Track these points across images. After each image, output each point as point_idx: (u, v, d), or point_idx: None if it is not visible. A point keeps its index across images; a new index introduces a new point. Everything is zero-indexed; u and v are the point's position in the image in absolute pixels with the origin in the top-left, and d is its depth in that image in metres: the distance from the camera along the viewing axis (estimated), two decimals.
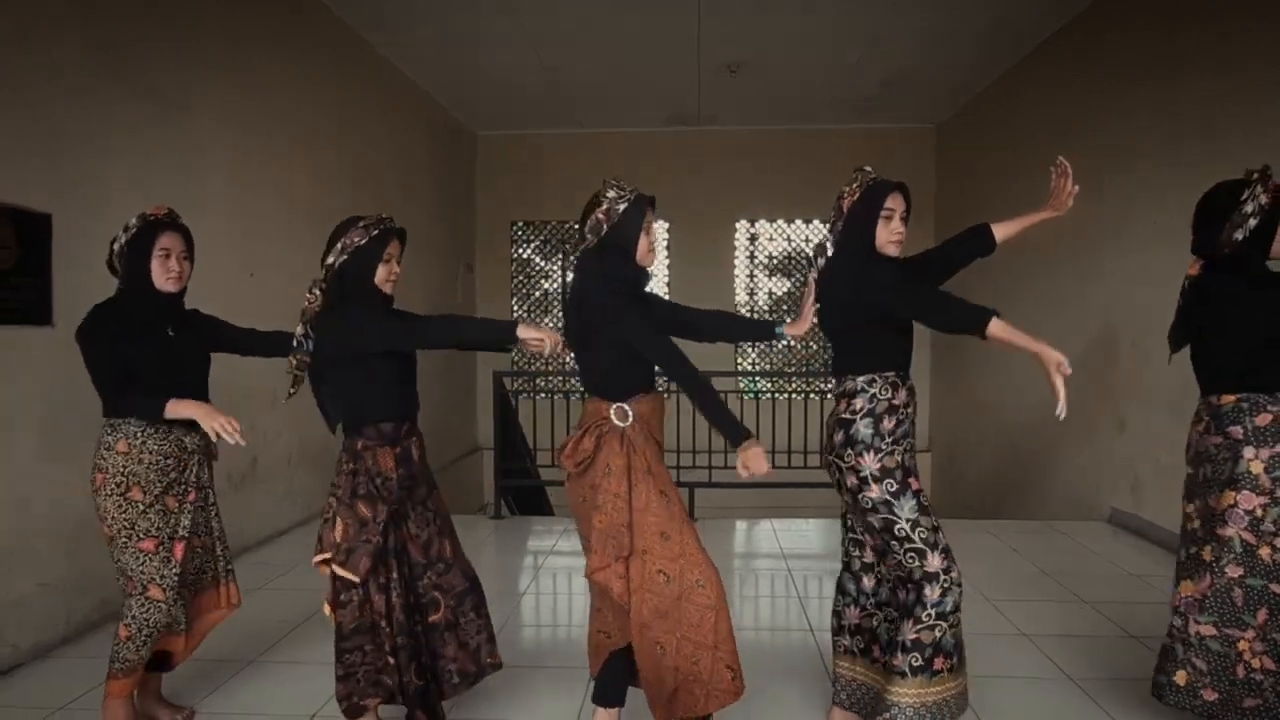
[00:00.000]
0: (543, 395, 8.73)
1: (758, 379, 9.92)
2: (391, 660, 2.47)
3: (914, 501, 2.41)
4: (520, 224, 9.99)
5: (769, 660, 3.35)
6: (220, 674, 3.21)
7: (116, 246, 2.65)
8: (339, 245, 2.50)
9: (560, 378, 9.49)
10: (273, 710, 2.95)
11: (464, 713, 2.91)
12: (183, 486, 2.69)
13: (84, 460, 3.62)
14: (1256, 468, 2.43)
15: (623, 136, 9.51)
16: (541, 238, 10.05)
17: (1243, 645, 2.46)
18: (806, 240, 9.83)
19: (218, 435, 2.48)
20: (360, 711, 2.51)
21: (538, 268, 10.14)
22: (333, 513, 2.45)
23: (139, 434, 2.61)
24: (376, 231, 2.52)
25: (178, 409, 2.52)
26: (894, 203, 2.47)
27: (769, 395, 8.78)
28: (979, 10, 6.01)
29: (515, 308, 10.01)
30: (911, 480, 2.44)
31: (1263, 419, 2.43)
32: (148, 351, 2.60)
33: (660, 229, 9.87)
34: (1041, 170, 6.94)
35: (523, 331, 2.38)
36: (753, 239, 9.91)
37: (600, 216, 2.44)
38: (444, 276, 8.77)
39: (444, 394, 8.56)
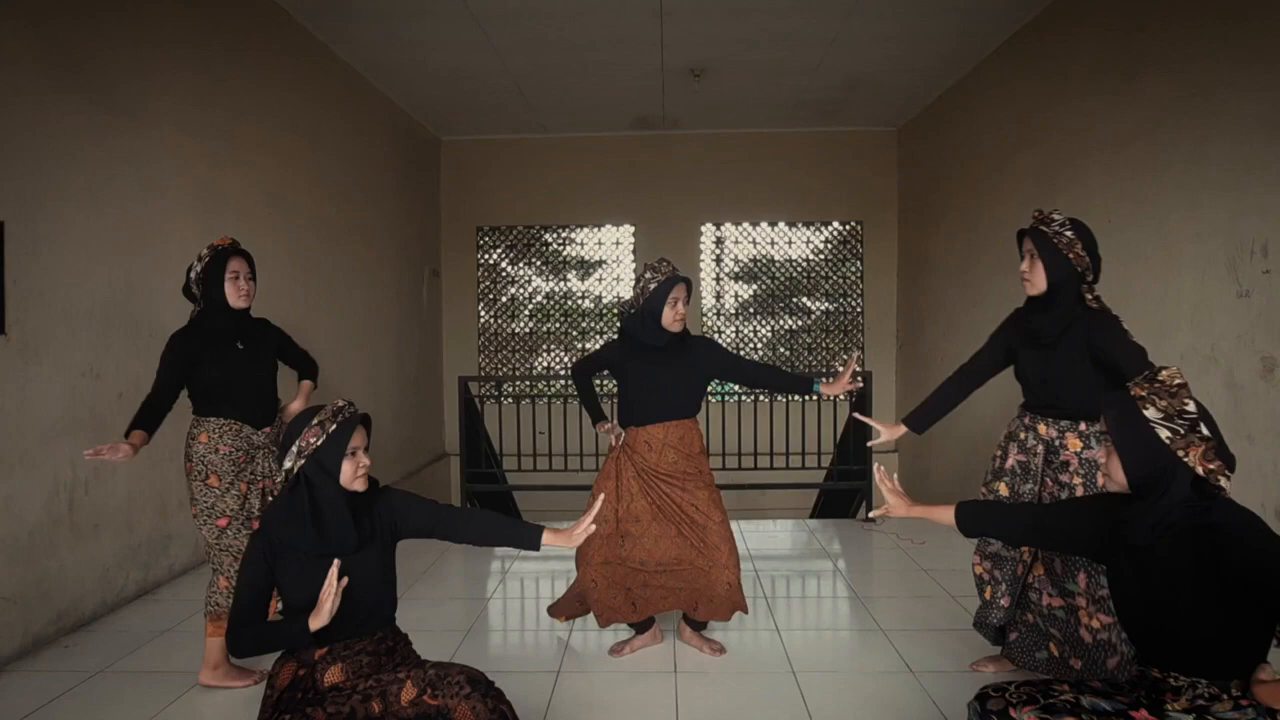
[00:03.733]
0: (509, 400, 8.70)
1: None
2: None
3: None
4: (486, 229, 9.96)
5: (738, 659, 3.37)
6: (176, 687, 3.16)
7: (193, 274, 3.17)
8: (294, 449, 2.24)
9: (528, 383, 9.47)
10: None
11: None
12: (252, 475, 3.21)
13: (39, 469, 3.57)
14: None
15: (588, 141, 9.51)
16: (507, 243, 10.03)
17: (1079, 604, 2.69)
18: (772, 243, 9.90)
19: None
20: None
21: (504, 273, 10.11)
22: None
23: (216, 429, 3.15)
24: (334, 427, 2.24)
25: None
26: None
27: (735, 398, 8.82)
28: (939, 13, 6.10)
29: (482, 313, 9.98)
30: None
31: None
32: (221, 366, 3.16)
33: (626, 233, 9.90)
34: (1000, 172, 7.03)
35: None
36: (719, 243, 9.97)
37: (638, 290, 3.21)
38: (410, 283, 8.72)
39: (411, 401, 8.50)
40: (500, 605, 4.19)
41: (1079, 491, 2.76)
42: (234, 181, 5.15)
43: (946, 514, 2.34)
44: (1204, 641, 1.83)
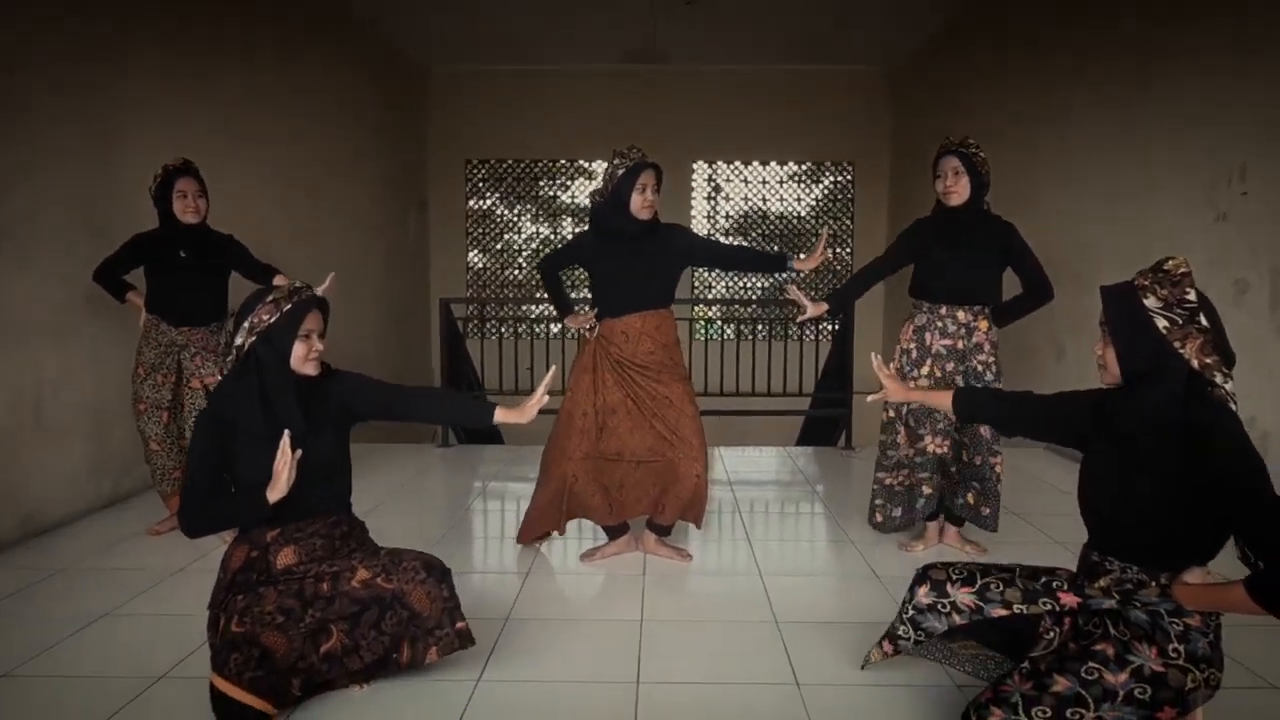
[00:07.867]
0: (492, 335, 8.66)
1: (712, 323, 9.94)
2: None
3: None
4: (475, 162, 9.83)
5: (708, 564, 3.41)
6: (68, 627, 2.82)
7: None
8: (246, 324, 2.18)
9: (511, 305, 9.42)
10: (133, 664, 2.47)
11: None
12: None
13: (1, 370, 3.55)
14: None
15: (579, 74, 9.35)
16: (496, 175, 9.91)
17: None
18: (764, 182, 9.80)
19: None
20: None
21: (499, 217, 10.00)
22: None
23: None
24: (289, 306, 2.20)
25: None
26: None
27: (719, 338, 8.80)
28: None
29: (469, 248, 9.90)
30: None
31: None
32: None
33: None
34: (988, 116, 6.93)
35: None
36: (710, 181, 9.86)
37: (607, 178, 3.15)
38: (396, 215, 8.62)
39: (396, 336, 8.47)
40: (481, 518, 4.20)
41: (989, 374, 3.25)
42: (209, 102, 5.05)
43: (943, 398, 2.35)
44: (1159, 535, 1.83)
